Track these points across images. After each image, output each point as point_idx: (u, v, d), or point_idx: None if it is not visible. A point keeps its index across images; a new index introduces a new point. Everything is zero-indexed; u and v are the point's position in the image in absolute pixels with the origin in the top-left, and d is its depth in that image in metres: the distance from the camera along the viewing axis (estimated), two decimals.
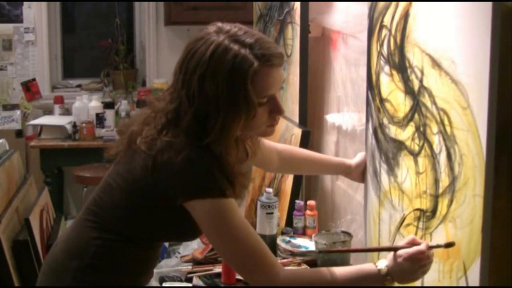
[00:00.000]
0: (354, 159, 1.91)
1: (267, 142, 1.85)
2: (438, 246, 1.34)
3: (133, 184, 1.44)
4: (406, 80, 1.52)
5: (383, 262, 1.38)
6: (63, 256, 1.53)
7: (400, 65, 1.55)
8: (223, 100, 1.35)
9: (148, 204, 1.43)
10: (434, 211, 1.40)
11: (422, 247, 1.35)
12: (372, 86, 1.76)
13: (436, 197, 1.39)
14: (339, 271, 1.39)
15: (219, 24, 1.42)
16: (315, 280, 1.38)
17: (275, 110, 1.43)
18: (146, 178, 1.40)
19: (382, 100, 1.69)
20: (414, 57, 1.47)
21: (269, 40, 1.43)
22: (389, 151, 1.64)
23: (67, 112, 4.61)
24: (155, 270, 3.12)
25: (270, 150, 1.83)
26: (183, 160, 1.35)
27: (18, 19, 4.74)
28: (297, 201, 2.31)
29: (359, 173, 1.90)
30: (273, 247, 2.09)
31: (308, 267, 1.95)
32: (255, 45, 1.36)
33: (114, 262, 1.50)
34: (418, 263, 1.35)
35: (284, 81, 1.45)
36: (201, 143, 1.38)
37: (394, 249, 1.40)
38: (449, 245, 1.31)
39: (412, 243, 1.38)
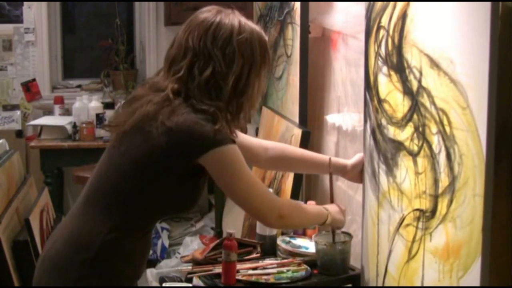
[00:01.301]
0: (351, 159, 1.91)
1: (253, 138, 1.89)
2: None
3: (142, 156, 1.51)
4: (404, 81, 1.52)
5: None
6: (67, 250, 1.53)
7: (398, 66, 1.55)
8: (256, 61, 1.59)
9: (158, 173, 1.52)
10: (433, 211, 1.40)
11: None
12: (370, 86, 1.77)
13: (435, 197, 1.39)
14: (314, 208, 1.91)
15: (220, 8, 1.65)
16: (300, 214, 1.77)
17: None
18: (156, 146, 1.48)
19: (380, 101, 1.69)
20: (412, 57, 1.47)
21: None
22: (388, 151, 1.64)
23: (67, 112, 4.61)
24: (155, 270, 3.13)
25: (255, 147, 1.87)
26: (192, 119, 1.50)
27: (18, 19, 4.74)
28: None
29: (356, 174, 1.89)
30: (273, 247, 2.09)
31: (308, 268, 1.95)
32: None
33: (118, 252, 1.53)
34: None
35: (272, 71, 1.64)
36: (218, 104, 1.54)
37: None
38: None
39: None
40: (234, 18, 1.61)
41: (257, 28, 1.64)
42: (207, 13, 1.62)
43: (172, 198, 1.57)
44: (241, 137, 1.82)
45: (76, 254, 1.51)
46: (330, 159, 1.94)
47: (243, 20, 1.63)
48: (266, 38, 1.65)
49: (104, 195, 1.53)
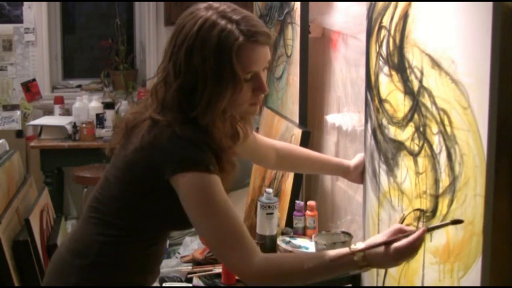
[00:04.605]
0: (353, 160, 1.90)
1: (265, 138, 1.87)
2: (443, 225, 1.29)
3: (126, 170, 1.45)
4: (405, 81, 1.52)
5: (359, 245, 1.34)
6: (68, 255, 1.53)
7: (400, 66, 1.55)
8: (210, 73, 1.38)
9: (141, 189, 1.44)
10: (434, 211, 1.40)
11: (417, 234, 1.30)
12: (371, 86, 1.77)
13: (436, 197, 1.39)
14: (313, 256, 1.39)
15: (210, 2, 1.46)
16: (286, 266, 1.37)
17: (259, 88, 1.45)
18: (137, 160, 1.42)
19: (381, 101, 1.69)
20: (413, 57, 1.47)
21: (256, 18, 1.46)
22: (389, 151, 1.64)
23: (67, 112, 4.61)
24: None
25: (267, 147, 1.84)
26: (169, 135, 1.39)
27: (18, 19, 4.74)
28: (297, 202, 2.31)
29: (357, 175, 1.89)
30: (273, 247, 2.09)
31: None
32: (241, 22, 1.40)
33: (119, 260, 1.50)
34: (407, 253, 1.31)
35: (270, 61, 1.48)
36: (187, 117, 1.41)
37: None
38: (456, 222, 1.25)
39: (399, 232, 1.33)
40: (199, 20, 1.40)
41: (223, 35, 1.37)
42: (186, 11, 1.46)
43: (163, 217, 1.49)
44: (256, 136, 1.79)
45: (75, 259, 1.50)
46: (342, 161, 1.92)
47: (211, 20, 1.39)
48: (235, 47, 1.37)
49: (102, 204, 1.50)
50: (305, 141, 2.44)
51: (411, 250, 1.30)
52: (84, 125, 4.24)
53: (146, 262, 1.55)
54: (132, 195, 1.46)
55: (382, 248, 1.32)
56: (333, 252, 1.37)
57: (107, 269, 1.49)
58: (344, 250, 1.36)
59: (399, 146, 1.57)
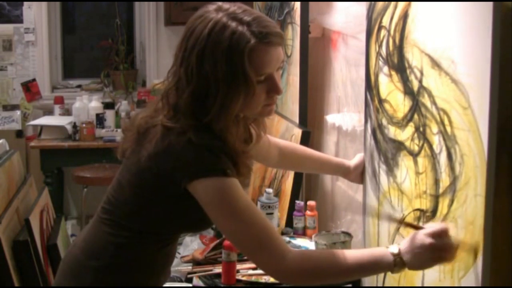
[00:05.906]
0: (353, 161, 1.90)
1: (271, 137, 1.86)
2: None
3: (139, 176, 1.44)
4: (405, 81, 1.52)
5: (395, 246, 1.35)
6: (82, 256, 1.52)
7: (399, 66, 1.55)
8: (222, 77, 1.35)
9: (155, 194, 1.43)
10: (434, 211, 1.40)
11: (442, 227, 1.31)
12: (371, 86, 1.77)
13: (436, 197, 1.39)
14: (349, 253, 1.37)
15: (219, 3, 1.43)
16: (323, 262, 1.36)
17: (273, 90, 1.42)
18: (150, 167, 1.40)
19: (381, 101, 1.69)
20: (413, 57, 1.47)
21: (268, 19, 1.43)
22: (388, 151, 1.64)
23: (67, 112, 4.61)
24: None
25: (270, 145, 1.84)
26: (183, 143, 1.37)
27: (18, 19, 4.74)
28: (297, 202, 2.31)
29: (357, 175, 1.89)
30: None
31: None
32: (253, 23, 1.36)
33: (133, 261, 1.50)
34: (434, 249, 1.29)
35: (283, 61, 1.45)
36: (200, 123, 1.39)
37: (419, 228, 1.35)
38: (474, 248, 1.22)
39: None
40: (209, 23, 1.37)
41: (235, 38, 1.34)
42: (196, 14, 1.43)
43: (178, 221, 1.49)
44: (270, 139, 1.78)
45: (90, 260, 1.50)
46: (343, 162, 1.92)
47: (222, 23, 1.36)
48: (247, 50, 1.34)
49: (115, 207, 1.50)
50: (305, 141, 2.45)
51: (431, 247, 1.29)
52: (84, 125, 4.24)
53: (160, 263, 1.55)
54: (146, 199, 1.45)
55: (413, 242, 1.31)
56: (369, 249, 1.39)
57: (121, 270, 1.49)
58: (380, 248, 1.39)
59: (399, 146, 1.57)
